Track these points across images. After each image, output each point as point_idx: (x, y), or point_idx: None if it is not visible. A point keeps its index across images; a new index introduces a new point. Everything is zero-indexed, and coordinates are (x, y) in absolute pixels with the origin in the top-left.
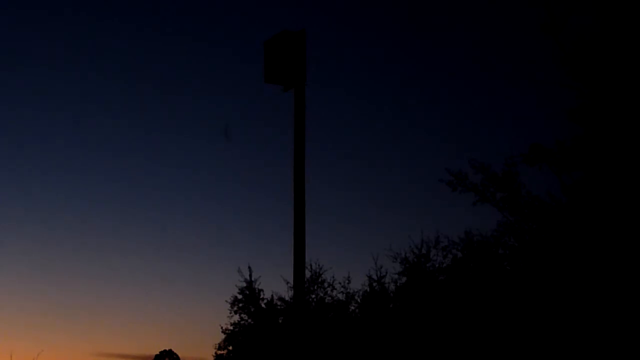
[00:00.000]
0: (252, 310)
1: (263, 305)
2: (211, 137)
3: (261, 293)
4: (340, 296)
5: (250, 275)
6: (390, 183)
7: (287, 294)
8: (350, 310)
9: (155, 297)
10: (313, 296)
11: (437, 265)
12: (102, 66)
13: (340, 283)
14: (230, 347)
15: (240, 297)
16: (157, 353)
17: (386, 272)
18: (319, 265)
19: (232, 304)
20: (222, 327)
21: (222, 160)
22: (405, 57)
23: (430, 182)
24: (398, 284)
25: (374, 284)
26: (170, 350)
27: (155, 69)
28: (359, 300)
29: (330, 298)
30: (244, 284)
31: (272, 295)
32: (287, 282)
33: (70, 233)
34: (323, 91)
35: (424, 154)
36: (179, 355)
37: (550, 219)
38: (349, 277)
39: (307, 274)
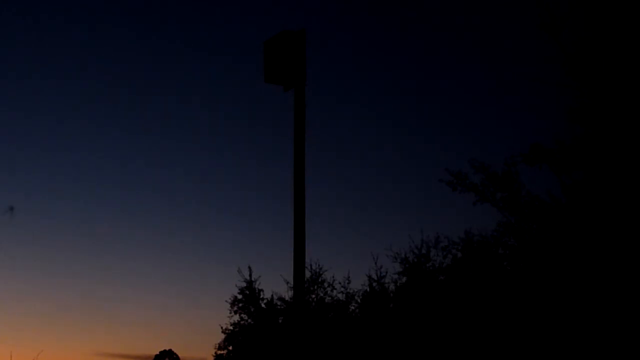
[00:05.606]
0: (252, 310)
1: (263, 305)
2: (211, 138)
3: (261, 293)
4: (340, 296)
5: (250, 275)
6: (390, 183)
7: (287, 294)
8: (350, 310)
9: (155, 297)
10: (313, 296)
11: (437, 265)
12: (102, 66)
13: (340, 283)
14: (230, 347)
15: (240, 297)
16: (157, 353)
17: (386, 272)
18: (319, 265)
19: (232, 304)
20: (222, 327)
21: (222, 160)
22: (405, 57)
23: (430, 182)
24: (398, 284)
25: (374, 284)
26: (170, 350)
27: (155, 69)
28: (359, 300)
29: (330, 298)
30: (244, 284)
31: (272, 295)
32: (287, 282)
33: (70, 233)
34: (323, 91)
35: (424, 154)
36: (179, 355)
37: (550, 219)
38: (349, 277)
39: (307, 274)
